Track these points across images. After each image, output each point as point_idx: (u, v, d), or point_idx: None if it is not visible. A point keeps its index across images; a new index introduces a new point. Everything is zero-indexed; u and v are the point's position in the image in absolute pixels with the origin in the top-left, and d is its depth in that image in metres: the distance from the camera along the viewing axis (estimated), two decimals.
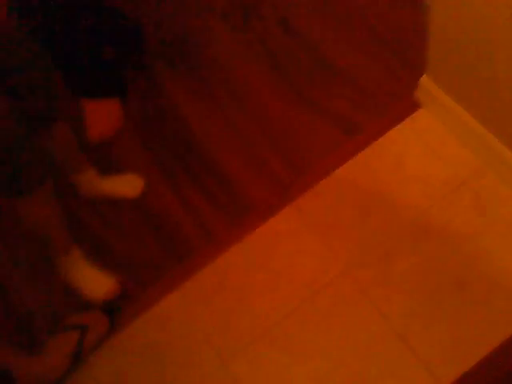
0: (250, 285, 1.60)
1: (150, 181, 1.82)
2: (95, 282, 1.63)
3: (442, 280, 1.49)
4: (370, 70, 1.88)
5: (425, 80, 1.66)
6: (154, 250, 1.72)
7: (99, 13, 1.86)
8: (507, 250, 1.49)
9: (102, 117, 1.90)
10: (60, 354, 1.51)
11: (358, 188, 1.68)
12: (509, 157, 1.50)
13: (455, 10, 1.30)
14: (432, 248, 1.54)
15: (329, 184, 1.70)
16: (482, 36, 1.28)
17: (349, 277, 1.54)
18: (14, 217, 1.51)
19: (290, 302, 1.55)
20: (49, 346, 1.54)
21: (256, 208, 1.72)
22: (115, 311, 1.60)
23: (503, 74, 1.31)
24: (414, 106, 1.74)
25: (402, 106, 1.76)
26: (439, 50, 1.50)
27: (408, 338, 1.43)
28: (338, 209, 1.66)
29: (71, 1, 1.75)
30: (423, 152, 1.67)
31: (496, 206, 1.55)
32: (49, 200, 1.43)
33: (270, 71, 1.97)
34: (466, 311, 1.44)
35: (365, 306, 1.49)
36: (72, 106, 1.90)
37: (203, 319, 1.57)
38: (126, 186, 1.81)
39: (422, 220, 1.58)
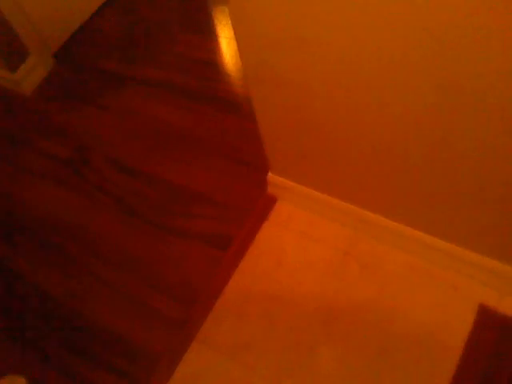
0: None
1: (41, 377, 1.61)
2: None
3: (365, 356, 1.48)
4: (220, 183, 1.91)
5: (271, 176, 1.73)
6: None
7: None
8: (410, 302, 1.54)
9: None
10: None
11: (253, 297, 1.65)
12: (370, 216, 1.58)
13: (279, 112, 1.37)
14: (345, 328, 1.53)
15: (224, 304, 1.65)
16: (307, 127, 1.35)
17: None
18: None
19: None
20: None
21: (160, 360, 1.59)
22: None
23: (332, 149, 1.39)
24: (271, 201, 1.79)
25: (261, 205, 1.79)
26: (273, 147, 1.57)
27: None
28: (242, 325, 1.60)
29: None
30: (298, 240, 1.70)
31: (381, 265, 1.61)
32: None
33: (122, 215, 1.91)
34: (394, 378, 1.45)
35: None
36: None
37: None
38: None
39: (325, 305, 1.58)
